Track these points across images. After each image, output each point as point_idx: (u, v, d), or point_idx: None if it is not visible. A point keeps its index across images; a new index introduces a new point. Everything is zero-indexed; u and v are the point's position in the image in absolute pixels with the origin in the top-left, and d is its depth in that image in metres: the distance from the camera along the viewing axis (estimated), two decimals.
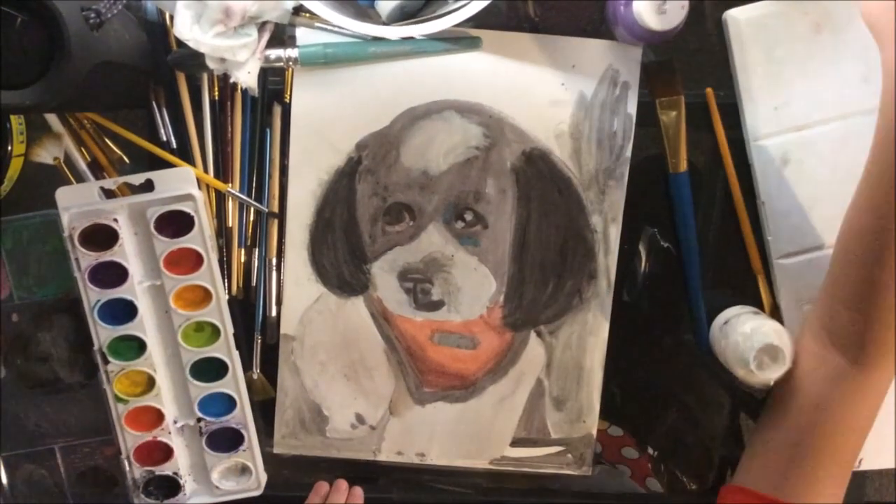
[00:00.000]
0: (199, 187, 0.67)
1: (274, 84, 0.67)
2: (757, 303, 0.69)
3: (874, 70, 0.65)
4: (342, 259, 0.69)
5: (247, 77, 0.62)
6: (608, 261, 0.69)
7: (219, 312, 0.67)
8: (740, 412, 0.72)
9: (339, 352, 0.70)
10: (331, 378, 0.70)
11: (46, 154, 0.67)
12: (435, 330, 0.70)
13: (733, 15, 0.66)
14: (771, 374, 0.62)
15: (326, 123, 0.67)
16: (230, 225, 0.69)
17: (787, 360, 0.62)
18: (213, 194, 0.68)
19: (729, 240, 0.70)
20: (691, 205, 0.68)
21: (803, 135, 0.66)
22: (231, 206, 0.69)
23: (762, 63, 0.66)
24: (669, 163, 0.67)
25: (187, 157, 0.68)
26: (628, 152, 0.67)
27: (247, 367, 0.70)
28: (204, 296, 0.67)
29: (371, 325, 0.70)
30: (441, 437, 0.71)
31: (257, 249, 0.69)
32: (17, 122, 0.65)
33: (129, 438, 0.68)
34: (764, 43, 0.65)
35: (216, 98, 0.67)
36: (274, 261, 0.69)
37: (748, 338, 0.63)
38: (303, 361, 0.70)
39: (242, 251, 0.69)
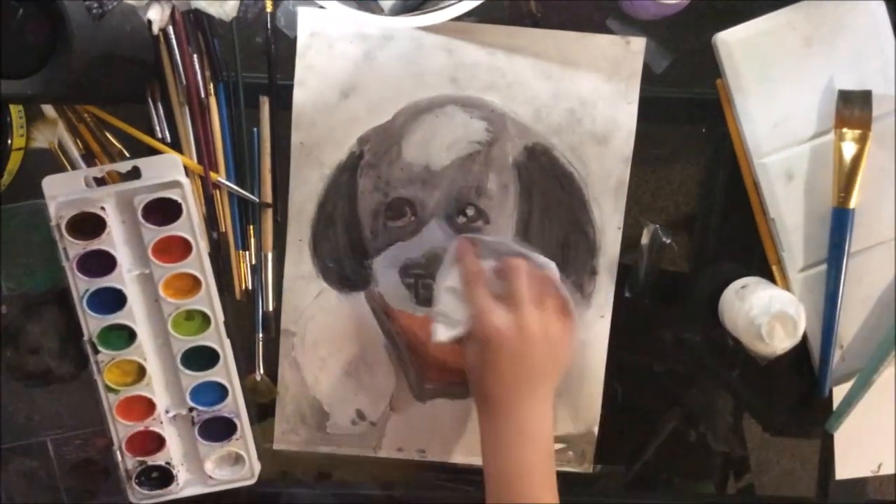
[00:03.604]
0: (191, 178, 0.67)
1: (259, 79, 0.67)
2: None
3: (869, 76, 0.66)
4: (343, 254, 0.69)
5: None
6: (610, 257, 0.68)
7: (209, 300, 0.67)
8: (741, 412, 0.72)
9: (340, 347, 0.70)
10: (331, 374, 0.70)
11: (42, 138, 0.66)
12: None
13: (723, 38, 0.65)
14: (780, 344, 0.63)
15: (328, 118, 0.67)
16: (224, 230, 0.68)
17: (799, 333, 0.63)
18: (202, 195, 0.68)
19: (729, 239, 0.70)
20: (848, 244, 0.66)
21: (805, 148, 0.67)
22: (223, 204, 0.68)
23: (757, 82, 0.66)
24: (836, 196, 0.66)
25: (182, 151, 0.68)
26: (630, 147, 0.67)
27: (249, 368, 0.70)
28: (193, 284, 0.67)
29: (372, 321, 0.70)
30: (442, 433, 0.71)
31: (252, 243, 0.69)
32: (17, 116, 0.65)
33: (121, 429, 0.68)
34: (756, 62, 0.65)
35: (200, 92, 0.67)
36: (270, 254, 0.69)
37: (764, 304, 0.63)
38: (303, 357, 0.70)
39: (241, 254, 0.69)
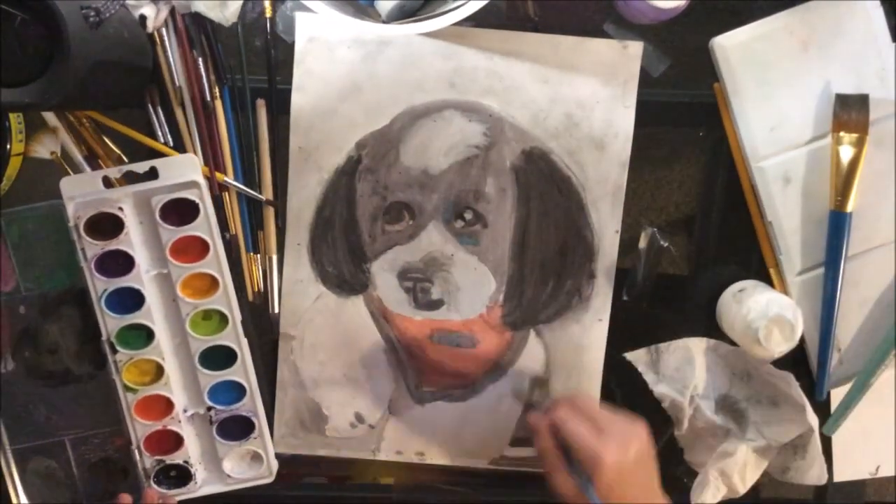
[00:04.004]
0: None
1: (257, 82, 0.67)
2: None
3: (866, 79, 0.66)
4: (342, 258, 0.69)
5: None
6: (608, 260, 0.69)
7: (226, 300, 0.67)
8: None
9: (339, 351, 0.70)
10: (330, 377, 0.70)
11: (43, 149, 0.67)
12: (434, 329, 0.70)
13: (720, 42, 0.65)
14: (777, 348, 0.63)
15: (326, 122, 0.67)
16: (234, 231, 0.69)
17: (796, 337, 0.63)
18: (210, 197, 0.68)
19: (727, 242, 0.70)
20: (845, 248, 0.66)
21: (802, 152, 0.67)
22: (232, 207, 0.69)
23: (754, 86, 0.66)
24: (833, 199, 0.66)
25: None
26: (628, 151, 0.67)
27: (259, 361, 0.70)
28: (211, 284, 0.67)
29: (371, 325, 0.70)
30: (440, 436, 0.71)
31: (263, 247, 0.69)
32: (16, 122, 0.65)
33: (139, 428, 0.68)
34: (753, 66, 0.65)
35: (199, 97, 0.67)
36: (274, 258, 0.69)
37: (761, 307, 0.63)
38: (302, 360, 0.70)
39: (253, 256, 0.69)
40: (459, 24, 0.58)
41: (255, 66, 0.67)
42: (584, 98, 0.67)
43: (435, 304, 0.69)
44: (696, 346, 0.69)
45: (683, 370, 0.68)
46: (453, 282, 0.69)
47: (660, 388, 0.68)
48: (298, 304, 0.70)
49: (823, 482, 0.67)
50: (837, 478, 0.72)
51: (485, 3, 0.57)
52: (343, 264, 0.69)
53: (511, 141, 0.67)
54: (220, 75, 0.67)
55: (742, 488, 0.67)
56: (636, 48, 0.66)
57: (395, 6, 0.62)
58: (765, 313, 0.63)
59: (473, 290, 0.69)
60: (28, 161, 0.67)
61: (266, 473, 0.71)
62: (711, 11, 0.66)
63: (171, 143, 0.67)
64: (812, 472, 0.67)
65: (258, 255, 0.69)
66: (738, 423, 0.68)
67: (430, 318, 0.70)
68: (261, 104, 0.67)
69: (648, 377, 0.69)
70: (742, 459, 0.66)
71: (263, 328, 0.70)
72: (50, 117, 0.66)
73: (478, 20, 0.65)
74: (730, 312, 0.66)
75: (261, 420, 0.70)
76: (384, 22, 0.62)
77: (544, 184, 0.68)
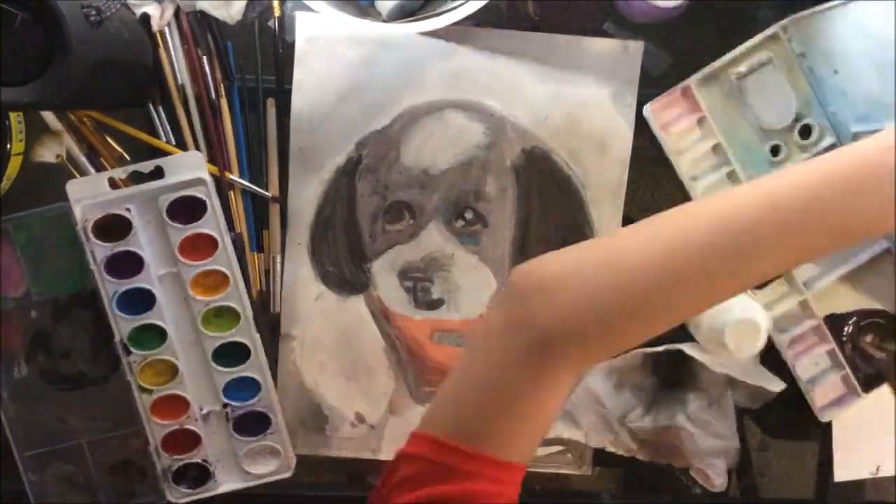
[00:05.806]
0: None
1: (266, 83, 0.67)
2: None
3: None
4: (342, 257, 0.69)
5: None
6: None
7: (237, 296, 0.67)
8: (740, 413, 0.72)
9: (339, 351, 0.70)
10: (331, 377, 0.70)
11: (48, 153, 0.66)
12: (435, 329, 0.70)
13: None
14: (741, 352, 0.63)
15: (326, 122, 0.67)
16: (238, 230, 0.69)
17: (762, 338, 0.63)
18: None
19: None
20: None
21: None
22: (237, 206, 0.68)
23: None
24: None
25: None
26: (628, 151, 0.67)
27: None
28: (221, 280, 0.67)
29: (371, 324, 0.70)
30: None
31: (269, 246, 0.69)
32: (16, 121, 0.65)
33: (156, 428, 0.68)
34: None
35: (205, 94, 0.67)
36: (278, 257, 0.69)
37: (724, 311, 0.63)
38: (303, 360, 0.70)
39: (257, 256, 0.69)
40: (459, 23, 0.58)
41: (256, 65, 0.67)
42: (585, 97, 0.67)
43: (435, 304, 0.69)
44: (592, 381, 0.69)
45: (596, 409, 0.69)
46: (453, 281, 0.69)
47: (592, 441, 0.69)
48: (298, 304, 0.69)
49: (783, 385, 0.65)
50: (837, 478, 0.72)
51: (485, 2, 0.57)
52: (343, 264, 0.69)
53: (511, 140, 0.67)
54: (226, 73, 0.67)
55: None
56: (636, 47, 0.66)
57: (395, 6, 0.62)
58: (729, 318, 0.63)
59: (474, 289, 0.69)
60: (33, 165, 0.67)
61: (285, 468, 0.70)
62: (712, 10, 0.66)
63: (174, 142, 0.67)
64: (769, 385, 0.65)
65: (262, 255, 0.69)
66: (684, 383, 0.68)
67: (431, 318, 0.70)
68: (270, 103, 0.67)
69: (577, 436, 0.69)
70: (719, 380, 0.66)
71: (264, 328, 0.70)
72: (53, 121, 0.66)
73: (478, 20, 0.65)
74: (694, 318, 0.66)
75: (277, 415, 0.69)
76: (384, 21, 0.62)
77: (545, 183, 0.68)
